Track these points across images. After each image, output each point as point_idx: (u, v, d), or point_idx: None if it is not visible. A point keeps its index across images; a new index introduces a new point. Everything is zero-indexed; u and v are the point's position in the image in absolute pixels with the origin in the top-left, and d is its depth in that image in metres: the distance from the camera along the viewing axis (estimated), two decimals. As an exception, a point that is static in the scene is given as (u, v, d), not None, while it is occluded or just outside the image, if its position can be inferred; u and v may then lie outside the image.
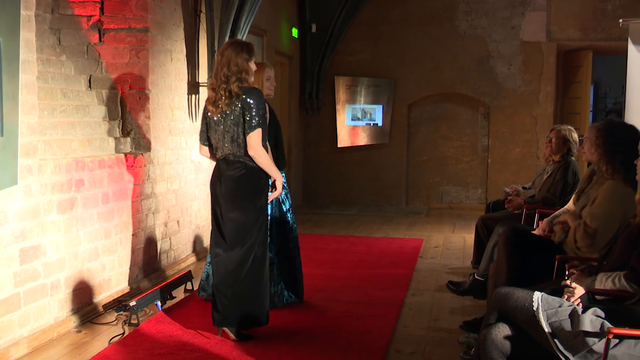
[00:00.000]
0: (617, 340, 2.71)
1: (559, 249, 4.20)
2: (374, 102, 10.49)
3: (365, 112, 10.53)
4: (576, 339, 2.77)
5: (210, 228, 4.41)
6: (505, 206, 5.87)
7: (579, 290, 3.07)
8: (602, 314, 2.82)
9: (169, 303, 5.04)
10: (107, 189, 4.98)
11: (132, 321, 4.54)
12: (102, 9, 5.58)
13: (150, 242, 5.68)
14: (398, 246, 7.44)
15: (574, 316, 2.82)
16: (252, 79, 4.25)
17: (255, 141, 4.13)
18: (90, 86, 5.58)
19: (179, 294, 5.28)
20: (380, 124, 10.53)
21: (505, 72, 10.09)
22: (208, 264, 4.99)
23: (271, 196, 4.36)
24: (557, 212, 4.79)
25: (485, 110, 10.32)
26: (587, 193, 4.32)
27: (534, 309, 2.87)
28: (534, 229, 4.80)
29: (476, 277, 5.29)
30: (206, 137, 4.34)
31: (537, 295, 2.93)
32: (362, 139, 10.61)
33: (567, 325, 2.81)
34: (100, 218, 4.88)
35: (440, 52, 10.21)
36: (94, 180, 4.79)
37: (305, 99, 10.37)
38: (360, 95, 10.51)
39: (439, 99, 10.47)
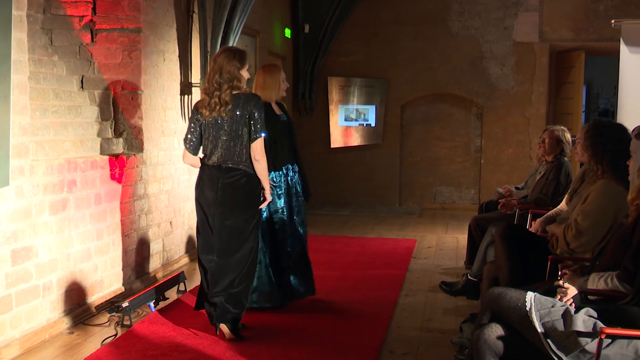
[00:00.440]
0: (609, 340, 2.72)
1: (551, 248, 4.21)
2: (367, 102, 10.49)
3: (358, 113, 10.52)
4: (569, 339, 2.77)
5: None
6: (499, 208, 5.88)
7: (572, 291, 3.08)
8: (595, 314, 2.83)
9: (162, 304, 5.03)
10: (100, 190, 4.96)
11: (125, 322, 4.52)
12: (94, 9, 5.56)
13: (143, 243, 5.66)
14: (391, 247, 7.44)
15: (566, 316, 2.83)
16: (244, 86, 4.28)
17: (260, 147, 4.21)
18: (82, 87, 5.56)
19: (172, 295, 5.27)
20: (373, 124, 10.52)
21: (498, 73, 10.10)
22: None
23: (261, 206, 4.39)
24: (549, 213, 4.80)
25: (478, 110, 10.33)
26: (579, 193, 4.34)
27: (527, 309, 2.88)
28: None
29: (469, 277, 5.30)
30: (197, 145, 4.30)
31: (530, 295, 2.93)
32: (355, 140, 10.60)
33: (560, 326, 2.81)
34: (92, 219, 4.86)
35: (433, 52, 10.21)
36: (86, 181, 4.77)
37: (298, 99, 10.36)
38: (354, 95, 10.51)
39: (432, 100, 10.47)
